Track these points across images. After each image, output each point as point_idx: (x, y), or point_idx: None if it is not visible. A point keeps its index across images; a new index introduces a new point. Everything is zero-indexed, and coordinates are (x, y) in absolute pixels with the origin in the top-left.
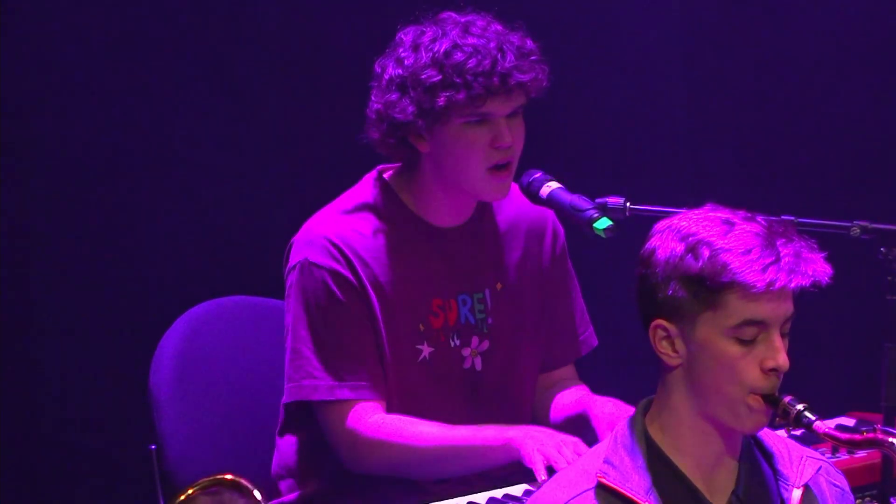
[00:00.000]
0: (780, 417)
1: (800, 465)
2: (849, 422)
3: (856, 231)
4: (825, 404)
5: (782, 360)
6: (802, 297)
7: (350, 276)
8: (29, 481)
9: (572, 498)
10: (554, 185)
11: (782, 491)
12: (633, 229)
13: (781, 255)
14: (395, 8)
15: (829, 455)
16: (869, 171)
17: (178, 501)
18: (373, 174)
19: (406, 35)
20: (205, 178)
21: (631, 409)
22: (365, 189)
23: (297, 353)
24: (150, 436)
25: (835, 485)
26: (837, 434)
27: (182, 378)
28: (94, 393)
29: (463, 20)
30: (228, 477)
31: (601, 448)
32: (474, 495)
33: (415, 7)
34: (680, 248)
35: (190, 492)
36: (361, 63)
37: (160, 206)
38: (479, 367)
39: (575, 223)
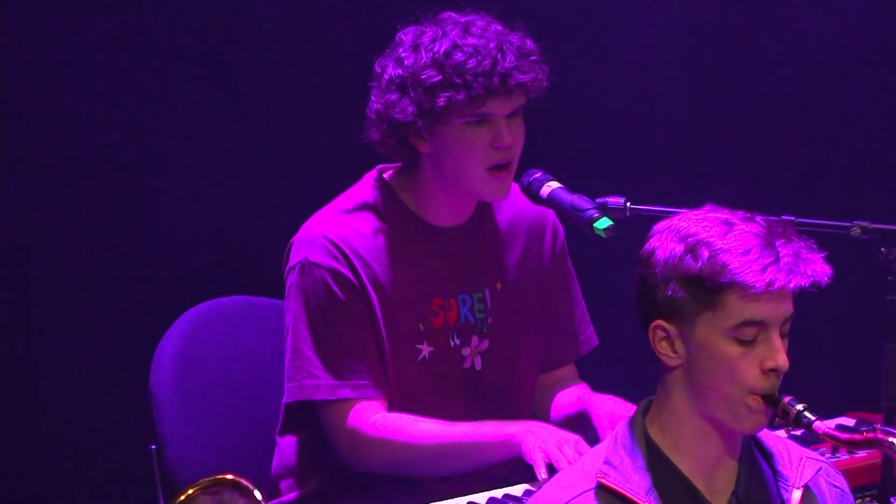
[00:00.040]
0: (780, 418)
1: (799, 465)
2: (849, 422)
3: (856, 231)
4: (825, 404)
5: (782, 360)
6: (802, 298)
7: (350, 276)
8: (29, 481)
9: (572, 498)
10: (554, 184)
11: (782, 491)
12: (633, 229)
13: (781, 255)
14: (395, 8)
15: (829, 455)
16: (869, 171)
17: (178, 501)
18: (373, 174)
19: (406, 35)
20: (205, 178)
21: (632, 407)
22: (365, 189)
23: (297, 353)
24: (150, 436)
25: (834, 486)
26: (837, 434)
27: (182, 378)
28: (94, 393)
29: (463, 20)
30: (229, 477)
31: (601, 448)
32: (474, 495)
33: (415, 7)
34: (679, 248)
35: (190, 492)
36: (361, 63)
37: (160, 206)
38: (478, 366)
39: (575, 223)
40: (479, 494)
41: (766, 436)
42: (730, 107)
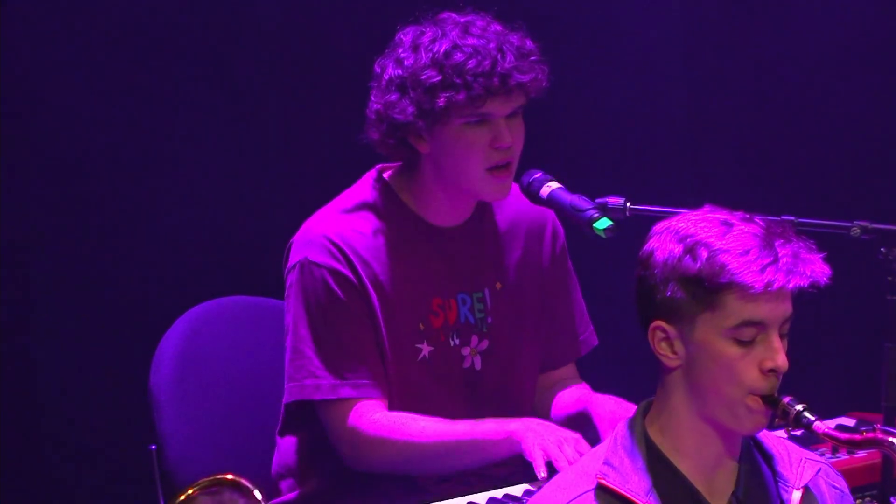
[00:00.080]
0: (780, 418)
1: (799, 466)
2: (849, 422)
3: (856, 231)
4: (825, 404)
5: (781, 360)
6: (802, 298)
7: (350, 275)
8: (29, 481)
9: (572, 499)
10: (554, 185)
11: (782, 492)
12: (633, 229)
13: (779, 255)
14: (395, 8)
15: (829, 455)
16: (869, 171)
17: (178, 501)
18: (372, 173)
19: (406, 35)
20: (205, 178)
21: (632, 407)
22: (364, 188)
23: (297, 353)
24: (150, 436)
25: (834, 487)
26: (837, 434)
27: (182, 378)
28: (94, 393)
29: (462, 20)
30: (228, 477)
31: (601, 449)
32: (474, 495)
33: (414, 7)
34: (678, 249)
35: (190, 492)
36: (361, 63)
37: (160, 206)
38: (478, 366)
39: (575, 223)
40: (479, 494)
41: (766, 437)
42: (730, 107)
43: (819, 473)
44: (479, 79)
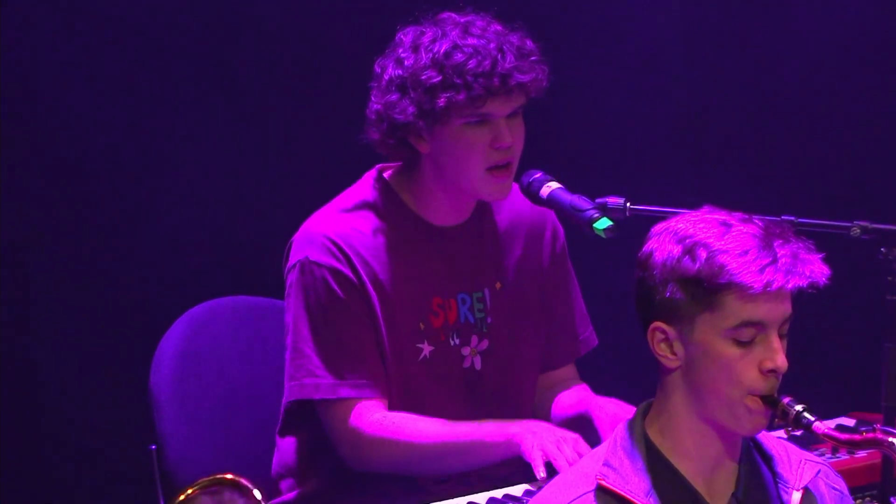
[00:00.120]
0: (780, 418)
1: (799, 467)
2: (849, 422)
3: (856, 231)
4: (825, 405)
5: (780, 361)
6: (802, 298)
7: (350, 275)
8: (29, 481)
9: (572, 501)
10: (554, 185)
11: (782, 493)
12: (633, 229)
13: (778, 255)
14: (395, 8)
15: (829, 455)
16: (869, 171)
17: (177, 501)
18: (372, 173)
19: (406, 35)
20: (205, 178)
21: (633, 410)
22: (365, 188)
23: (297, 352)
24: (150, 436)
25: (834, 488)
26: (837, 434)
27: (182, 378)
28: (94, 393)
29: (463, 21)
30: (228, 476)
31: (601, 451)
32: (474, 495)
33: (414, 7)
34: (677, 250)
35: (189, 491)
36: (361, 63)
37: (160, 206)
38: (478, 366)
39: (575, 223)
40: (479, 494)
41: (766, 438)
42: (730, 107)
43: (819, 475)
44: (480, 79)
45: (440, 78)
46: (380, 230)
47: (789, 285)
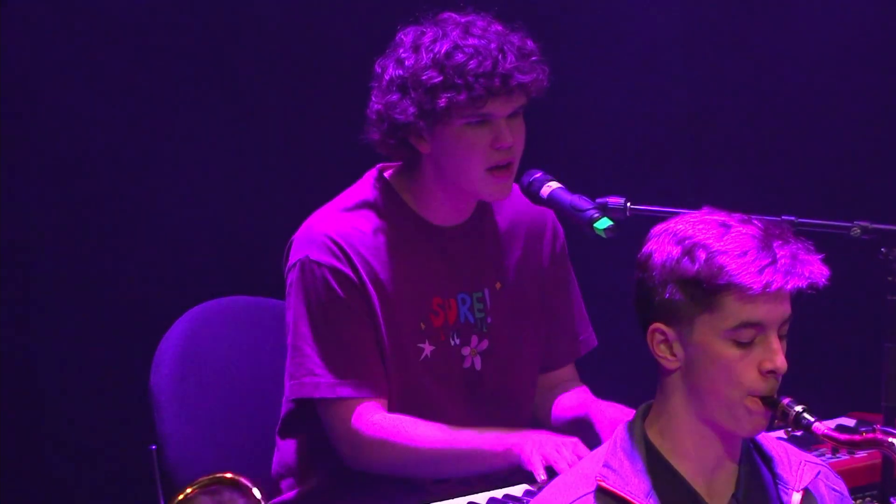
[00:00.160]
0: (780, 419)
1: (799, 469)
2: (849, 422)
3: (856, 231)
4: (825, 405)
5: (780, 362)
6: (803, 298)
7: (350, 274)
8: (29, 481)
9: (572, 502)
10: (554, 185)
11: (782, 495)
12: (633, 230)
13: (778, 256)
14: (396, 8)
15: (829, 455)
16: (869, 171)
17: (177, 501)
18: (373, 173)
19: (406, 35)
20: (205, 178)
21: (634, 413)
22: (365, 187)
23: (297, 351)
24: (150, 436)
25: (834, 489)
26: (837, 435)
27: (182, 378)
28: (94, 393)
29: (463, 21)
30: (228, 475)
31: (600, 452)
32: (474, 495)
33: (415, 7)
34: (676, 251)
35: (189, 491)
36: (361, 63)
37: (160, 206)
38: (478, 366)
39: (575, 223)
40: (479, 494)
41: (766, 439)
42: (730, 107)
43: (819, 476)
44: (481, 79)
45: (441, 78)
46: (380, 230)
47: (788, 286)
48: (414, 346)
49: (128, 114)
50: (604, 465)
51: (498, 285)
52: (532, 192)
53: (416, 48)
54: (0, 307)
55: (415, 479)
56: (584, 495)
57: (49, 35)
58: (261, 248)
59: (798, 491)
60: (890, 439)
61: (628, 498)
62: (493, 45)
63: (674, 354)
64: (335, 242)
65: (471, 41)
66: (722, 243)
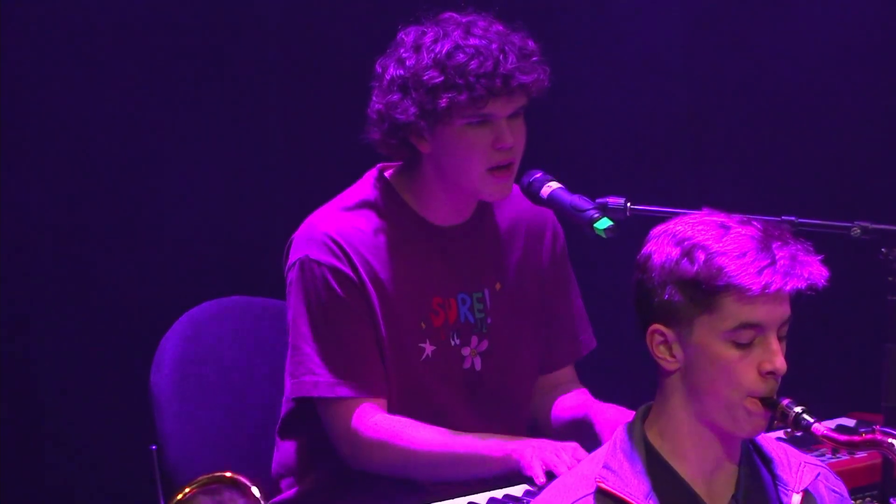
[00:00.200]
0: (779, 420)
1: (799, 470)
2: (849, 422)
3: (856, 231)
4: (826, 405)
5: (779, 363)
6: (802, 298)
7: (350, 273)
8: (29, 481)
9: (571, 503)
10: (554, 185)
11: (782, 496)
12: (634, 230)
13: (777, 257)
14: (396, 8)
15: (830, 455)
16: (869, 171)
17: (176, 500)
18: (373, 172)
19: (407, 35)
20: (205, 178)
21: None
22: (366, 187)
23: (297, 350)
24: (150, 436)
25: (834, 491)
26: (836, 436)
27: (182, 378)
28: (94, 393)
29: (464, 21)
30: (227, 474)
31: (600, 453)
32: (474, 495)
33: (416, 7)
34: (675, 252)
35: (187, 490)
36: (362, 63)
37: (160, 206)
38: (478, 367)
39: (575, 223)
40: (479, 495)
41: (765, 440)
42: (730, 107)
43: (819, 477)
44: (482, 79)
45: (442, 78)
46: (380, 229)
47: (788, 287)
48: (415, 346)
49: (128, 114)
50: (603, 467)
51: (498, 286)
52: (532, 193)
53: (417, 48)
54: (0, 307)
55: (414, 480)
56: (584, 496)
57: (49, 35)
58: (261, 248)
59: (798, 492)
60: (889, 440)
61: (628, 499)
62: (494, 46)
63: (673, 356)
64: (335, 242)
65: (472, 41)
66: (721, 244)
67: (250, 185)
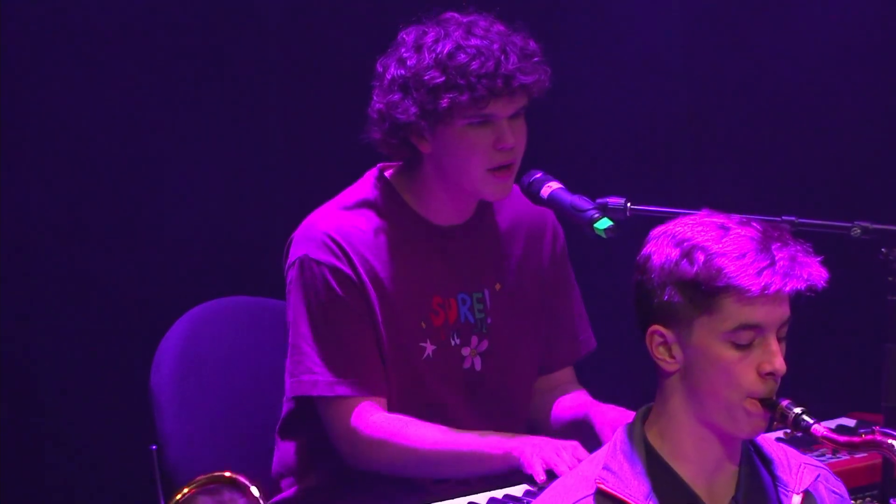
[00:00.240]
0: (779, 421)
1: (799, 471)
2: (849, 422)
3: (856, 231)
4: (826, 405)
5: (779, 364)
6: (802, 299)
7: (350, 273)
8: (29, 481)
9: None
10: (555, 185)
11: (782, 497)
12: (634, 230)
13: (776, 258)
14: (397, 8)
15: (830, 456)
16: (869, 171)
17: (176, 500)
18: (374, 172)
19: (408, 35)
20: (205, 178)
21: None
22: (366, 186)
23: (297, 349)
24: (150, 436)
25: (834, 492)
26: (836, 437)
27: (182, 378)
28: (94, 393)
29: (465, 21)
30: (226, 474)
31: (600, 454)
32: (474, 495)
33: (417, 7)
34: (675, 253)
35: (187, 490)
36: (363, 63)
37: (160, 206)
38: (478, 367)
39: (576, 223)
40: (480, 494)
41: (765, 441)
42: (730, 107)
43: (819, 478)
44: (483, 80)
45: (443, 78)
46: (380, 229)
47: (787, 288)
48: (416, 346)
49: (128, 114)
50: (603, 468)
51: (498, 286)
52: (532, 193)
53: (418, 48)
54: (0, 307)
55: (414, 479)
56: (584, 497)
57: (49, 35)
58: (261, 248)
59: (798, 493)
60: (889, 441)
61: (628, 500)
62: (495, 46)
63: (673, 357)
64: (335, 241)
65: (473, 41)
66: (720, 245)
67: (250, 185)
